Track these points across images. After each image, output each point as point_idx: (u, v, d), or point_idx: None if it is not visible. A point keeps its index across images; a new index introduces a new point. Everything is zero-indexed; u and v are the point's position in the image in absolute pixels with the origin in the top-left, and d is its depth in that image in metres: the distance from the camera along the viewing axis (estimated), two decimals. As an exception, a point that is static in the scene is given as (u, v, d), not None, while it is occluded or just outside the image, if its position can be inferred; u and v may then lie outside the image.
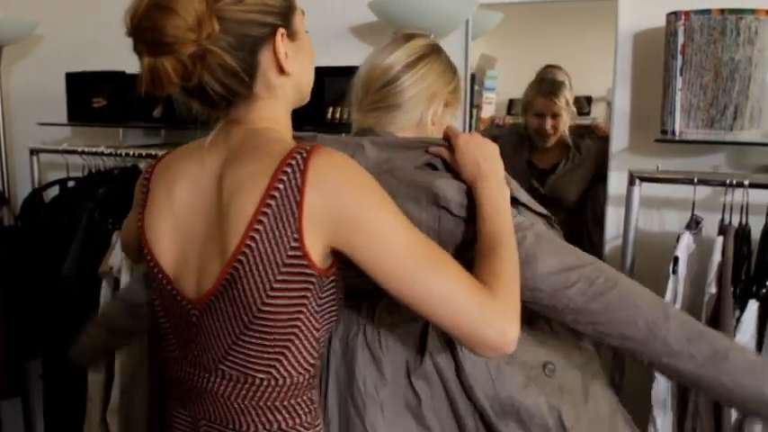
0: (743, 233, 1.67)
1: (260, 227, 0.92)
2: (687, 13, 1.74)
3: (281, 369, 0.99)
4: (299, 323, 0.97)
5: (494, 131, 2.36)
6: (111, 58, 2.51)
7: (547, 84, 2.21)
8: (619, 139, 2.03)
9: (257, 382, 0.99)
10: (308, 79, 1.08)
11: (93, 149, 2.34)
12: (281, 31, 0.98)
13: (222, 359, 1.00)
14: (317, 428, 1.05)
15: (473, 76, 2.22)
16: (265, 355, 0.98)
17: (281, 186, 0.91)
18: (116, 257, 2.05)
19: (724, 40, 1.71)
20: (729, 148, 1.90)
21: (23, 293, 2.29)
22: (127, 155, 2.30)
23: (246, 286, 0.94)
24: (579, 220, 2.21)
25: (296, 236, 0.91)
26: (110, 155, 2.33)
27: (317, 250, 0.93)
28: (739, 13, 1.69)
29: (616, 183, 2.02)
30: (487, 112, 2.37)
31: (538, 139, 2.26)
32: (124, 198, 2.18)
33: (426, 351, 1.16)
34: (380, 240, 0.92)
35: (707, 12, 1.72)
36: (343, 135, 1.31)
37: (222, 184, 0.98)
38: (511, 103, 2.48)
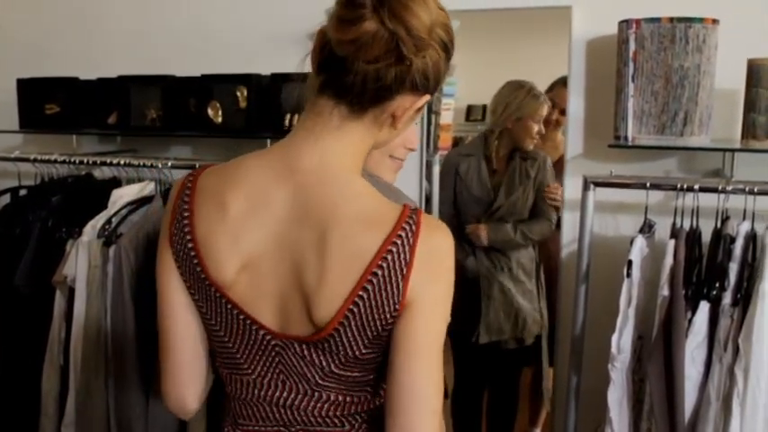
0: (694, 236, 1.71)
1: (373, 279, 0.90)
2: (638, 21, 1.78)
3: (381, 384, 1.01)
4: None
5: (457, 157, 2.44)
6: (64, 63, 2.47)
7: (542, 95, 2.36)
8: (573, 144, 2.06)
9: (356, 399, 1.01)
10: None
11: (46, 157, 2.30)
12: (428, 96, 0.95)
13: (317, 385, 1.00)
14: None
15: (431, 83, 2.24)
16: (365, 379, 1.00)
17: (389, 257, 0.90)
18: (71, 267, 2.01)
19: (674, 48, 1.75)
20: (680, 153, 1.95)
21: (-27, 305, 2.22)
22: (81, 162, 2.26)
23: (350, 337, 0.94)
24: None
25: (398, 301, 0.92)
26: (63, 162, 2.28)
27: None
28: (688, 21, 1.74)
29: (571, 188, 2.05)
30: (446, 118, 2.39)
31: (527, 140, 2.38)
32: (78, 206, 2.16)
33: None
34: (430, 316, 0.93)
35: (657, 20, 1.76)
36: None
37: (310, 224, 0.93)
38: (469, 109, 2.51)
